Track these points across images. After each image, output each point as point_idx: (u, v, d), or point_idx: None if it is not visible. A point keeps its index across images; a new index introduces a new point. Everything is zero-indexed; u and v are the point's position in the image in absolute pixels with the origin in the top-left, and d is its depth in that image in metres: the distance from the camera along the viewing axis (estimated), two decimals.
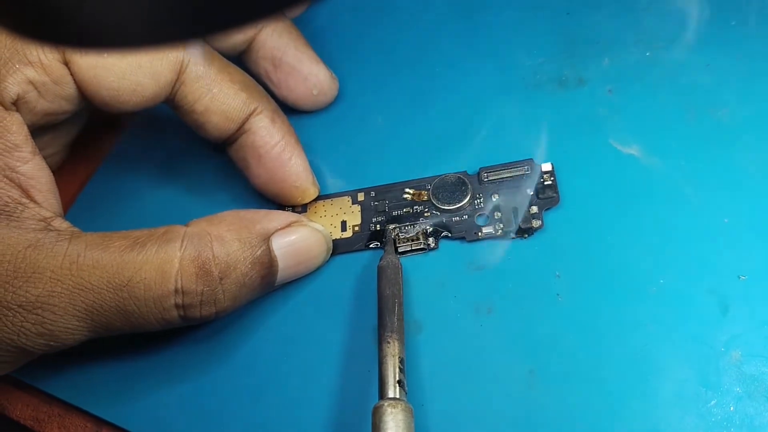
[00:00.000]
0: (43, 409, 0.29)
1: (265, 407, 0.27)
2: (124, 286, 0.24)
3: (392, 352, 0.25)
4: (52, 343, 0.25)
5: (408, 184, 0.31)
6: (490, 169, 0.30)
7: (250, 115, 0.29)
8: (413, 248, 0.29)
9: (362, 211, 0.30)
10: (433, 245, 0.29)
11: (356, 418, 0.26)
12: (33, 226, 0.25)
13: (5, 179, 0.26)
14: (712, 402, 0.24)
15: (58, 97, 0.27)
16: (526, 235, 0.28)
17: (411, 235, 0.29)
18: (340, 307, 0.28)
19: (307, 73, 0.33)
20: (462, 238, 0.29)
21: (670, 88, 0.31)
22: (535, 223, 0.28)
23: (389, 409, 0.23)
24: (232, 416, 0.27)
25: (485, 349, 0.26)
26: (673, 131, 0.30)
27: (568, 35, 0.33)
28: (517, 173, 0.30)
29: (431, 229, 0.29)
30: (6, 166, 0.26)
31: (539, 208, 0.29)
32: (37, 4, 0.11)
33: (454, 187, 0.30)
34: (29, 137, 0.27)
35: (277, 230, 0.27)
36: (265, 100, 0.30)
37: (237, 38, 0.31)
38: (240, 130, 0.29)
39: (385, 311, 0.26)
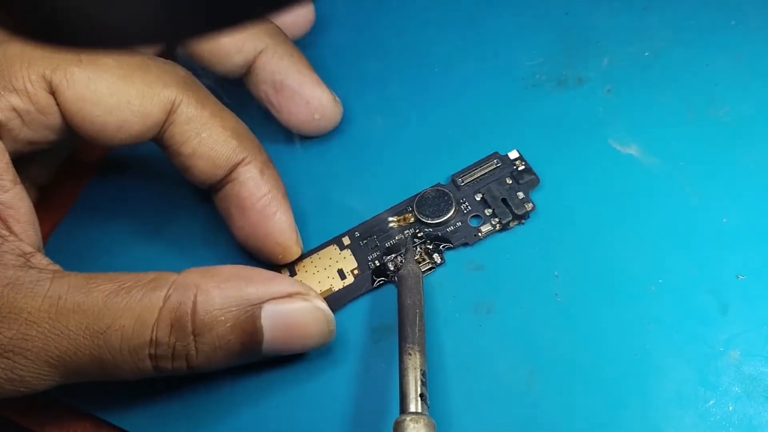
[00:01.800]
0: (42, 410, 0.29)
1: (270, 410, 0.27)
2: (101, 333, 0.23)
3: (414, 364, 0.24)
4: (21, 389, 0.24)
5: (389, 213, 0.30)
6: (461, 173, 0.30)
7: (239, 164, 0.28)
8: (424, 271, 0.28)
9: (354, 253, 0.29)
10: (440, 261, 0.28)
11: None
12: (12, 262, 0.24)
13: None
14: (711, 402, 0.24)
15: (43, 127, 0.26)
16: (523, 221, 0.29)
17: (416, 258, 0.28)
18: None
19: (309, 97, 0.31)
20: (465, 245, 0.29)
21: (670, 88, 0.31)
22: (528, 206, 0.29)
23: (411, 425, 0.22)
24: (233, 418, 0.27)
25: (484, 349, 0.26)
26: (672, 131, 0.30)
27: (568, 35, 0.33)
28: (489, 169, 0.30)
29: (431, 245, 0.29)
30: None
31: (524, 193, 0.29)
32: (35, 2, 0.11)
33: (437, 200, 0.29)
34: (10, 165, 0.26)
35: (273, 298, 0.25)
36: (256, 151, 0.28)
37: (237, 60, 0.30)
38: (227, 178, 0.28)
39: (406, 322, 0.25)
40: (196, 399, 0.27)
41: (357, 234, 0.30)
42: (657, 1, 0.33)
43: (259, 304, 0.25)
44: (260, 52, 0.30)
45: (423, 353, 0.25)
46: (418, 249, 0.29)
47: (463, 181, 0.30)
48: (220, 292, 0.24)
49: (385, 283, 0.28)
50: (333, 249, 0.29)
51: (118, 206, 0.33)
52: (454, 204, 0.29)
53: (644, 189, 0.29)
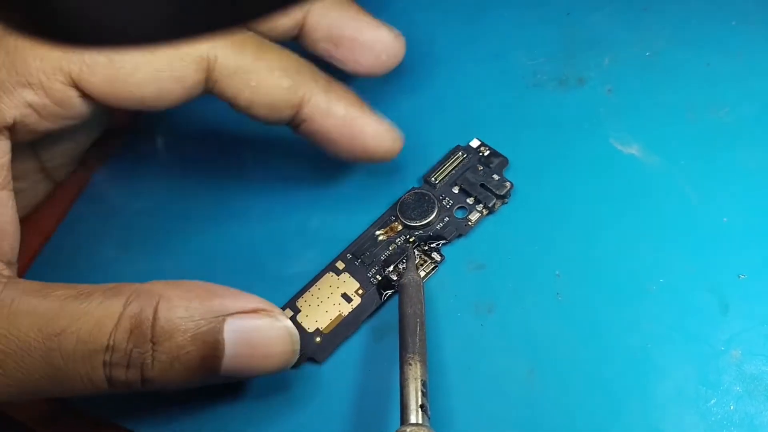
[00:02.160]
0: (42, 410, 0.29)
1: (271, 411, 0.27)
2: (56, 336, 0.22)
3: (414, 374, 0.24)
4: None
5: (374, 227, 0.30)
6: (431, 172, 0.30)
7: (300, 103, 0.27)
8: (427, 272, 0.28)
9: (353, 275, 0.29)
10: (439, 258, 0.28)
11: None
12: None
13: None
14: (712, 401, 0.24)
15: (61, 117, 0.26)
16: (506, 200, 0.29)
17: (416, 262, 0.28)
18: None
19: (371, 42, 0.29)
20: (459, 236, 0.29)
21: (670, 87, 0.31)
22: (507, 185, 0.29)
23: None
24: (233, 421, 0.27)
25: (485, 348, 0.26)
26: (673, 131, 0.30)
27: (568, 35, 0.33)
28: (457, 161, 0.30)
29: (426, 246, 0.29)
30: None
31: (498, 174, 0.30)
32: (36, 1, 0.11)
33: (417, 202, 0.29)
34: (4, 168, 0.25)
35: (237, 312, 0.24)
36: (311, 80, 0.27)
37: (286, 24, 0.29)
38: (297, 119, 0.27)
39: (407, 331, 0.25)
40: (198, 401, 0.27)
41: (349, 256, 0.29)
42: (657, 2, 0.33)
43: (222, 317, 0.24)
44: (308, 11, 0.29)
45: (424, 363, 0.24)
46: (416, 253, 0.29)
47: (436, 179, 0.30)
48: (183, 302, 0.23)
49: (394, 293, 0.28)
50: (330, 276, 0.29)
51: (108, 222, 0.32)
52: (435, 201, 0.29)
53: (645, 188, 0.29)
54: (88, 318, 0.22)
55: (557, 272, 0.27)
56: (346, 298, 0.28)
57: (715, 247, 0.27)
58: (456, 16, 0.36)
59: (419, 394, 0.23)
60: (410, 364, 0.24)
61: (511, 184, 0.29)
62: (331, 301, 0.28)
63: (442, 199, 0.30)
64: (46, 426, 0.28)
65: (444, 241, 0.29)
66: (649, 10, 0.33)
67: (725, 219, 0.27)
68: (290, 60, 0.27)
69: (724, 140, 0.29)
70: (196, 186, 0.33)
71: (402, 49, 0.30)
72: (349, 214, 0.30)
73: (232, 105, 0.27)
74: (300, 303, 0.28)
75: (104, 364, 0.23)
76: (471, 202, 0.29)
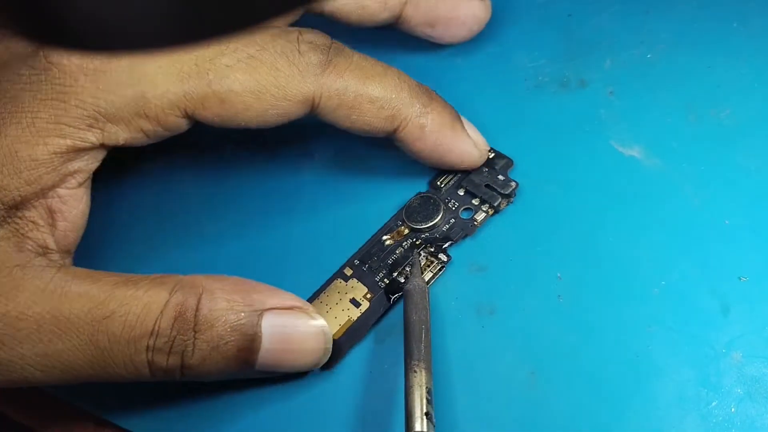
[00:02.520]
0: (44, 410, 0.29)
1: (271, 414, 0.27)
2: (104, 319, 0.23)
3: (419, 382, 0.24)
4: (4, 377, 0.23)
5: (381, 232, 0.30)
6: (437, 177, 0.30)
7: (396, 129, 0.28)
8: (435, 273, 0.28)
9: (361, 280, 0.29)
10: (446, 259, 0.29)
11: None
12: (29, 248, 0.24)
13: (39, 194, 0.25)
14: (713, 403, 0.24)
15: (166, 137, 0.27)
16: (511, 199, 0.29)
17: (423, 264, 0.28)
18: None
19: (463, 17, 0.32)
20: (465, 236, 0.29)
21: (672, 89, 0.31)
22: (512, 184, 0.29)
23: None
24: (234, 424, 0.27)
25: (487, 350, 0.26)
26: (674, 133, 0.30)
27: (570, 37, 0.34)
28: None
29: (432, 248, 0.29)
30: (52, 183, 0.25)
31: (503, 175, 0.30)
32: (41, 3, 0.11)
33: (423, 205, 0.30)
34: (91, 170, 0.26)
35: (275, 307, 0.25)
36: (408, 107, 0.28)
37: (384, 17, 0.31)
38: (392, 137, 0.29)
39: (412, 338, 0.25)
40: (199, 402, 0.27)
41: (357, 261, 0.29)
42: (659, 4, 0.33)
43: (261, 311, 0.25)
44: (405, 3, 0.31)
45: (429, 370, 0.24)
46: (423, 254, 0.29)
47: (442, 183, 0.30)
48: (224, 294, 0.25)
49: (401, 297, 0.28)
50: (338, 283, 0.29)
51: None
52: (441, 204, 0.29)
53: (646, 190, 0.29)
54: (136, 303, 0.24)
55: (558, 274, 0.27)
56: (355, 303, 0.28)
57: (716, 249, 0.27)
58: None
59: (424, 401, 0.23)
60: (415, 372, 0.24)
61: (517, 184, 0.29)
62: (340, 306, 0.28)
63: (448, 202, 0.30)
64: (46, 426, 0.28)
65: (450, 242, 0.29)
66: (651, 13, 0.33)
67: (726, 221, 0.27)
68: (392, 87, 0.28)
69: (725, 142, 0.29)
70: (187, 194, 0.33)
71: (489, 14, 0.33)
72: (357, 221, 0.30)
73: (333, 125, 0.28)
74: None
75: (147, 348, 0.24)
76: (476, 203, 0.30)
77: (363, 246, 0.30)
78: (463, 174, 0.30)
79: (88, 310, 0.23)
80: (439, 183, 0.30)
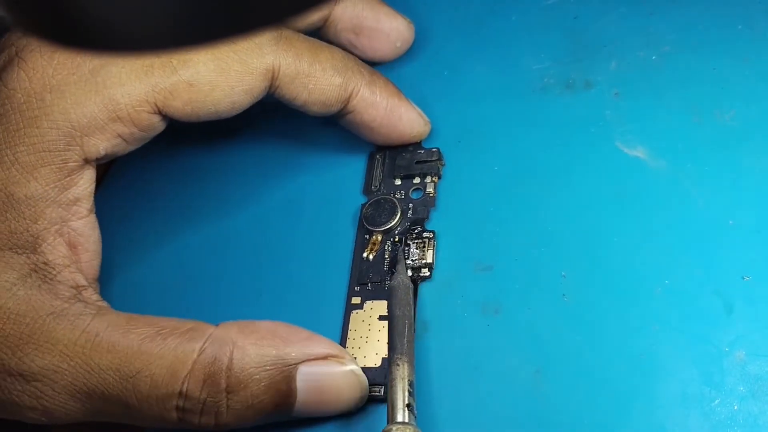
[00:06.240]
0: None
1: None
2: (131, 377, 0.23)
3: (401, 374, 0.25)
4: (43, 418, 0.24)
5: (359, 252, 0.30)
6: (366, 184, 0.31)
7: (349, 97, 0.29)
8: (431, 248, 0.29)
9: (372, 297, 0.29)
10: (431, 234, 0.29)
11: None
12: (63, 293, 0.25)
13: (57, 233, 0.25)
14: (716, 401, 0.24)
15: (143, 139, 0.28)
16: (442, 161, 0.31)
17: (416, 256, 0.29)
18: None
19: (388, 30, 0.33)
20: (431, 210, 0.30)
21: (677, 91, 0.31)
22: (434, 150, 0.31)
23: None
24: None
25: (492, 348, 0.27)
26: (679, 134, 0.30)
27: (575, 39, 0.34)
28: (381, 161, 0.32)
29: (414, 235, 0.29)
30: (61, 218, 0.25)
31: (420, 148, 0.31)
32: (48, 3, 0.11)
33: (377, 209, 0.30)
34: (92, 194, 0.27)
35: (309, 359, 0.25)
36: (358, 75, 0.29)
37: (314, 19, 0.31)
38: (344, 110, 0.30)
39: (395, 333, 0.26)
40: None
41: (357, 288, 0.29)
42: (664, 6, 0.34)
43: (295, 365, 0.24)
44: (335, 4, 0.32)
45: (411, 364, 0.25)
46: (410, 243, 0.29)
47: (375, 186, 0.31)
48: (257, 349, 0.24)
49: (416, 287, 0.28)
50: (355, 315, 0.28)
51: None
52: (390, 199, 0.30)
53: (651, 191, 0.29)
54: (163, 362, 0.23)
55: (563, 273, 0.28)
56: (383, 317, 0.28)
57: (720, 249, 0.27)
58: (463, 19, 0.36)
59: (406, 393, 0.24)
60: (398, 365, 0.25)
61: (437, 149, 0.31)
62: (374, 330, 0.28)
63: (393, 195, 0.31)
64: (45, 426, 0.29)
65: (424, 221, 0.30)
66: (656, 14, 0.33)
67: (731, 221, 0.27)
68: (340, 57, 0.29)
69: (729, 143, 0.29)
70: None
71: (412, 35, 0.33)
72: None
73: (288, 104, 0.29)
74: (349, 352, 0.27)
75: (177, 408, 0.24)
76: (417, 182, 0.31)
77: (351, 271, 0.29)
78: (390, 166, 0.31)
79: (117, 367, 0.23)
80: (372, 187, 0.31)
